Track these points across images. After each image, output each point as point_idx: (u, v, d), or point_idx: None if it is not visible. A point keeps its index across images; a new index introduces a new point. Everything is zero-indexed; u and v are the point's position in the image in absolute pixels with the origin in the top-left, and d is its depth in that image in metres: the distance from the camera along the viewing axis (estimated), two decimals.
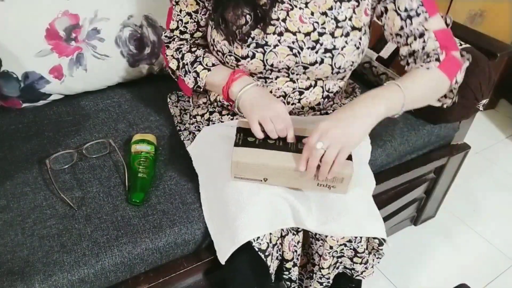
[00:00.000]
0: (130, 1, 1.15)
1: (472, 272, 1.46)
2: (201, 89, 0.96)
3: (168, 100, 1.20)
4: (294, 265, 0.89)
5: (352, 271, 0.90)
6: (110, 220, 0.89)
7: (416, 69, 0.86)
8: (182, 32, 0.99)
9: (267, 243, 0.82)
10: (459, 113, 1.23)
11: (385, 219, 1.35)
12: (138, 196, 0.92)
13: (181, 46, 0.98)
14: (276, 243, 0.85)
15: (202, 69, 0.93)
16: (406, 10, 0.88)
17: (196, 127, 1.03)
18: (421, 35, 0.89)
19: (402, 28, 0.90)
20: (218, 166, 0.90)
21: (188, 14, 0.96)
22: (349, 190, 0.85)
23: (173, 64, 0.98)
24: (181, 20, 0.97)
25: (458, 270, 1.47)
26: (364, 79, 1.37)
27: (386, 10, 0.91)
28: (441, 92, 0.90)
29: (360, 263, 0.88)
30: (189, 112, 1.09)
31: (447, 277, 1.43)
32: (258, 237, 0.81)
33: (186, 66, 0.95)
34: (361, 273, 0.90)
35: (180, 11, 0.96)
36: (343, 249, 0.87)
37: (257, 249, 0.81)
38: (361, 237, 0.85)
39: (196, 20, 0.96)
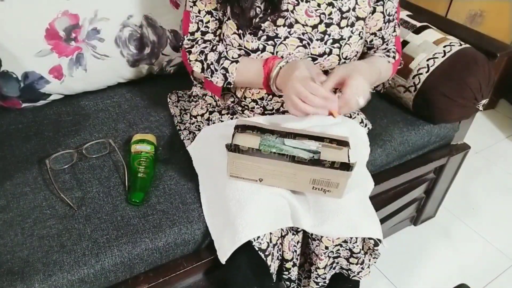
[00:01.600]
0: (130, 1, 1.15)
1: (472, 272, 1.46)
2: (231, 85, 0.93)
3: (168, 100, 1.20)
4: (294, 265, 0.89)
5: (349, 271, 0.90)
6: (110, 220, 0.89)
7: (382, 59, 1.01)
8: (204, 33, 0.96)
9: (267, 242, 0.82)
10: (459, 113, 1.23)
11: (385, 219, 1.35)
12: (138, 196, 0.92)
13: (205, 48, 0.95)
14: (276, 243, 0.85)
15: (230, 63, 0.91)
16: (389, 14, 1.00)
17: (197, 126, 1.03)
18: (388, 40, 1.04)
19: (380, 29, 1.01)
20: (218, 165, 0.90)
21: (208, 12, 0.94)
22: (345, 194, 0.85)
23: (197, 67, 0.95)
24: (201, 20, 0.95)
25: (458, 270, 1.47)
26: None
27: (375, 10, 0.98)
28: (384, 80, 1.06)
29: (356, 264, 0.88)
30: (189, 112, 1.09)
31: (447, 277, 1.43)
32: (259, 237, 0.81)
33: (211, 65, 0.93)
34: (358, 274, 0.90)
35: (199, 11, 0.94)
36: (339, 250, 0.87)
37: (257, 249, 0.81)
38: (356, 238, 0.85)
39: (217, 17, 0.95)
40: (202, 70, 0.95)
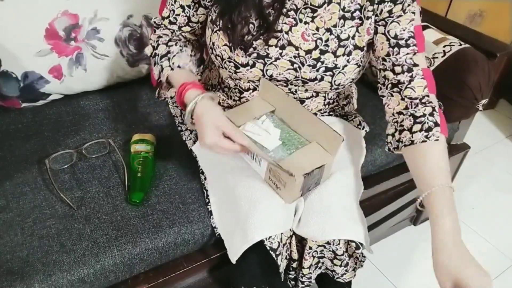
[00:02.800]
0: (130, 1, 1.15)
1: None
2: (164, 84, 0.95)
3: (169, 100, 1.20)
4: (299, 264, 0.89)
5: (333, 272, 0.90)
6: (109, 220, 0.89)
7: (432, 148, 0.80)
8: (171, 22, 0.97)
9: (278, 242, 0.82)
10: (459, 113, 1.23)
11: (385, 219, 1.35)
12: (138, 196, 0.92)
13: (164, 36, 0.97)
14: (285, 243, 0.85)
15: (167, 66, 0.92)
16: (396, 37, 0.84)
17: None
18: (410, 70, 0.84)
19: (388, 54, 0.85)
20: (228, 163, 0.89)
21: (181, 6, 0.94)
22: (293, 202, 0.85)
23: (148, 50, 0.98)
24: (173, 10, 0.95)
25: None
26: (364, 79, 1.37)
27: (377, 31, 0.87)
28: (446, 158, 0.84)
29: (340, 266, 0.88)
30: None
31: None
32: (270, 236, 0.81)
33: (156, 56, 0.94)
34: (342, 276, 0.89)
35: (175, 1, 0.94)
36: (322, 250, 0.87)
37: (268, 248, 0.81)
38: (339, 240, 0.84)
39: (187, 14, 0.95)
40: (151, 55, 0.97)
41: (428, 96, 0.84)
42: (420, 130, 0.81)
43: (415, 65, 0.83)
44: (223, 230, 0.89)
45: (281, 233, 0.83)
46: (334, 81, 0.89)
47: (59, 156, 1.00)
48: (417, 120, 0.82)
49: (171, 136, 1.10)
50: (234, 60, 0.89)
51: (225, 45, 0.89)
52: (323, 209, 0.84)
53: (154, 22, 0.99)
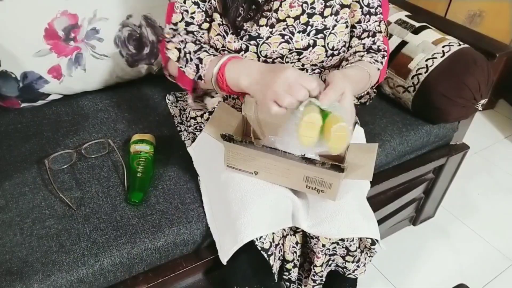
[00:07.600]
0: (129, 1, 1.15)
1: (471, 272, 1.46)
2: (202, 80, 0.85)
3: (167, 100, 1.20)
4: (294, 266, 0.89)
5: (344, 269, 0.90)
6: (109, 220, 0.89)
7: (371, 64, 0.91)
8: (188, 24, 0.91)
9: (270, 242, 0.82)
10: (458, 113, 1.23)
11: (384, 219, 1.35)
12: (137, 196, 0.92)
13: (186, 38, 0.90)
14: (278, 243, 0.85)
15: (207, 56, 0.84)
16: (368, 5, 0.93)
17: (197, 127, 1.03)
18: (374, 34, 0.95)
19: (359, 21, 0.94)
20: (219, 166, 0.90)
21: (195, 3, 0.90)
22: (339, 198, 0.84)
23: (173, 54, 0.88)
24: (187, 10, 0.90)
25: (456, 270, 1.47)
26: None
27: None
28: (369, 87, 0.95)
29: (352, 262, 0.88)
30: (188, 114, 1.09)
31: (445, 277, 1.44)
32: (261, 237, 0.81)
33: (188, 54, 0.86)
34: (353, 272, 0.90)
35: (184, 1, 0.90)
36: (335, 247, 0.87)
37: (259, 248, 0.81)
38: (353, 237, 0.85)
39: (204, 9, 0.91)
40: (178, 58, 0.88)
41: (385, 52, 0.95)
42: (371, 57, 0.92)
43: (379, 31, 0.95)
44: (214, 232, 0.89)
45: (273, 234, 0.83)
46: (327, 43, 0.91)
47: (58, 156, 1.00)
48: (371, 51, 0.94)
49: (171, 136, 1.10)
50: (228, 47, 0.90)
51: (218, 34, 0.90)
52: (337, 207, 0.84)
53: (168, 32, 0.91)
